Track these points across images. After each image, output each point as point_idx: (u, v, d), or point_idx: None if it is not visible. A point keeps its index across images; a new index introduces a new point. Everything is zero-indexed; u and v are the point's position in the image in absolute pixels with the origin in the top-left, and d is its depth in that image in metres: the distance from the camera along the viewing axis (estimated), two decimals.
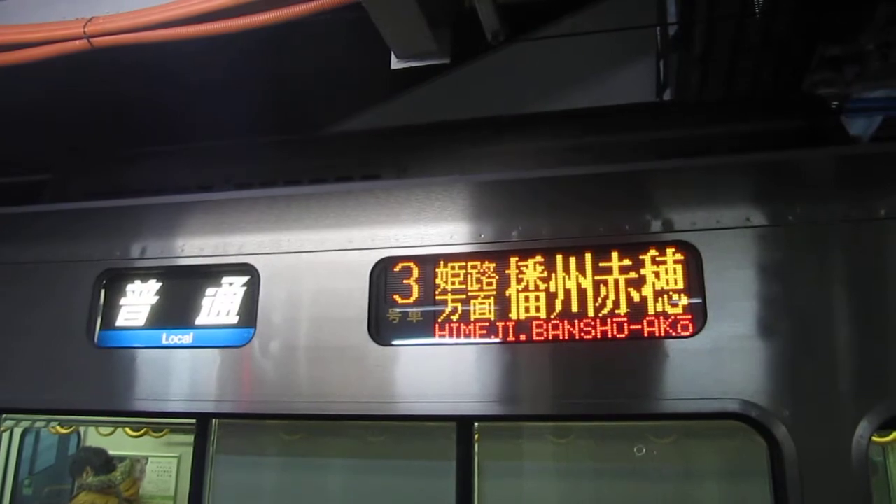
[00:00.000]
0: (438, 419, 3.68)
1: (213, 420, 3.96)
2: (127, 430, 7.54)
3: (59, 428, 7.77)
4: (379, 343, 3.73)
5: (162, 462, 8.22)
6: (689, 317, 3.44)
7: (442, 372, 3.63)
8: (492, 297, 3.70)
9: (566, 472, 4.47)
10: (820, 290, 3.30)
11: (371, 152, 4.90)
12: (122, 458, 7.45)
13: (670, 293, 3.50)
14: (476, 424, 3.63)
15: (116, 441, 7.82)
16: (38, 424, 7.98)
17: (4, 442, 8.25)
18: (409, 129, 5.00)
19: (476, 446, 3.63)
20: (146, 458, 8.16)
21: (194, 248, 4.13)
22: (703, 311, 3.40)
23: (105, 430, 7.87)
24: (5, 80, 4.06)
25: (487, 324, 3.67)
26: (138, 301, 4.19)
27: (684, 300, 3.47)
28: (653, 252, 3.56)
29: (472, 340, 3.66)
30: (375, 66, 4.13)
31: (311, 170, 4.84)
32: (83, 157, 5.36)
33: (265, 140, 5.14)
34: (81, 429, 8.32)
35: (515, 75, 5.05)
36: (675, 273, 3.51)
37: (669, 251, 3.54)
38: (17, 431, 8.31)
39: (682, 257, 3.51)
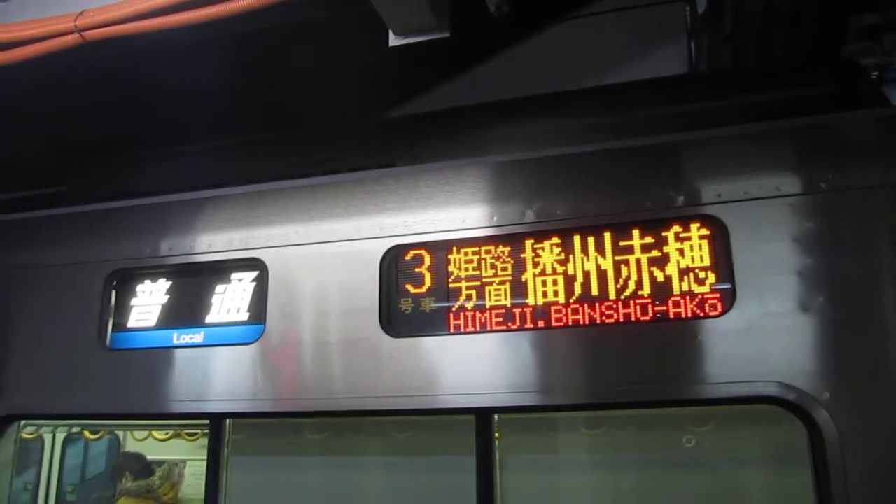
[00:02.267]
0: (456, 412, 3.55)
1: (227, 420, 3.87)
2: (154, 433, 7.56)
3: (87, 434, 7.83)
4: (391, 335, 3.61)
5: (199, 465, 8.20)
6: (718, 295, 3.24)
7: (458, 362, 3.50)
8: (507, 283, 3.54)
9: (598, 465, 4.27)
10: (858, 261, 3.07)
11: (384, 141, 4.78)
12: (160, 463, 7.45)
13: (696, 271, 3.30)
14: (496, 417, 3.49)
15: (158, 446, 7.86)
16: (57, 430, 8.04)
17: (47, 449, 8.36)
18: (423, 117, 4.88)
19: (499, 441, 3.51)
20: (184, 461, 8.17)
21: (203, 244, 4.06)
22: (732, 288, 3.20)
23: (140, 434, 7.90)
24: (11, 93, 4.06)
25: (504, 311, 3.52)
26: (149, 301, 4.14)
27: (711, 278, 3.27)
28: (676, 228, 3.36)
29: (488, 329, 3.51)
30: (384, 55, 4.01)
31: (324, 162, 4.72)
32: (97, 166, 5.33)
33: (277, 135, 5.06)
34: (119, 434, 8.39)
35: (534, 58, 4.91)
36: (700, 249, 3.31)
37: (694, 226, 3.34)
38: (60, 438, 8.41)
39: (708, 232, 3.31)
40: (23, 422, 4.52)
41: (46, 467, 8.27)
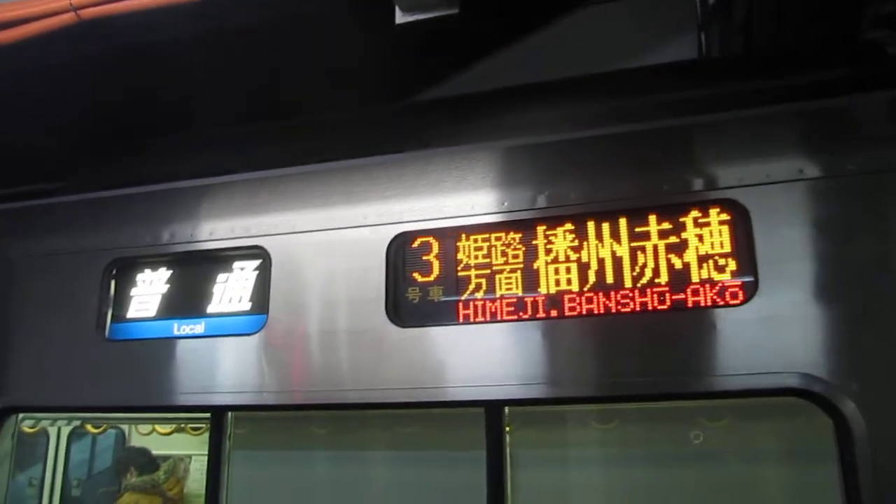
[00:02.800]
0: (465, 405, 3.44)
1: (229, 413, 3.77)
2: (157, 428, 7.48)
3: (90, 427, 7.75)
4: (398, 325, 3.50)
5: (205, 460, 8.13)
6: (739, 283, 3.12)
7: (467, 353, 3.39)
8: (519, 271, 3.43)
9: (611, 460, 4.15)
10: (885, 246, 2.94)
11: (393, 129, 4.66)
12: (165, 458, 7.38)
13: (716, 258, 3.18)
14: (507, 409, 3.39)
15: (164, 440, 7.78)
16: (63, 425, 7.96)
17: (52, 444, 8.28)
18: (433, 104, 4.77)
19: (510, 434, 3.41)
20: (189, 456, 8.10)
21: (204, 232, 3.97)
22: (754, 276, 3.07)
23: (144, 428, 7.83)
24: (10, 79, 3.96)
25: (515, 300, 3.41)
26: (148, 291, 4.06)
27: (732, 265, 3.15)
28: (695, 213, 3.24)
29: (498, 318, 3.40)
30: (395, 40, 3.89)
31: (333, 150, 4.62)
32: (96, 159, 5.24)
33: (285, 124, 4.95)
34: (125, 428, 8.32)
35: (543, 49, 4.80)
36: (720, 235, 3.19)
37: (713, 211, 3.21)
38: (65, 433, 8.34)
39: (728, 217, 3.19)
40: (21, 415, 4.43)
41: (52, 462, 8.21)
